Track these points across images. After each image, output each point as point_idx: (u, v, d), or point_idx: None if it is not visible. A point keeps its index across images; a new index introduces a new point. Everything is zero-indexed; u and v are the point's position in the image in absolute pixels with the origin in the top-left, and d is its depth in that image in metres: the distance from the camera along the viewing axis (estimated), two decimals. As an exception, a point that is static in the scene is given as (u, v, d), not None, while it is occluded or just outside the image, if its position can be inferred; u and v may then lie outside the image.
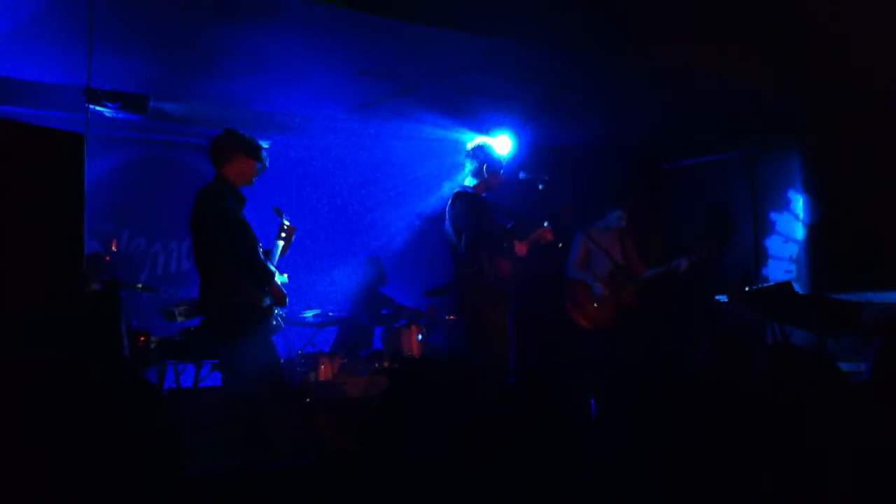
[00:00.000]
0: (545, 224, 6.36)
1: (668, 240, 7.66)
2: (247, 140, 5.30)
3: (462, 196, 6.27)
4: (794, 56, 6.48)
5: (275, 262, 5.40)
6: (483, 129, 7.78)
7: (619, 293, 7.25)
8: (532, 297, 7.61)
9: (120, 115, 6.45)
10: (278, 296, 5.25)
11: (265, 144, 7.93)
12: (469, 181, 6.38)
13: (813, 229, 7.69)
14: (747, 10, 5.95)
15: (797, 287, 7.08)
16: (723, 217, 7.65)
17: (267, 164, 5.40)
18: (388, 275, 8.13)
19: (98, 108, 6.22)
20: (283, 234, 5.54)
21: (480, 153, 6.37)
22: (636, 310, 7.28)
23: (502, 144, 7.99)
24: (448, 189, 6.93)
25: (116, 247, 7.20)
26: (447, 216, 6.28)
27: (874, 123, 7.05)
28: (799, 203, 7.77)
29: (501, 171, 6.47)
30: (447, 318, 7.15)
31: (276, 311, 5.25)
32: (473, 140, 6.65)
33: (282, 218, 5.59)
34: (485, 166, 6.31)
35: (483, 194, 6.35)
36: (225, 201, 5.10)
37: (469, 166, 6.38)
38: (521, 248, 6.28)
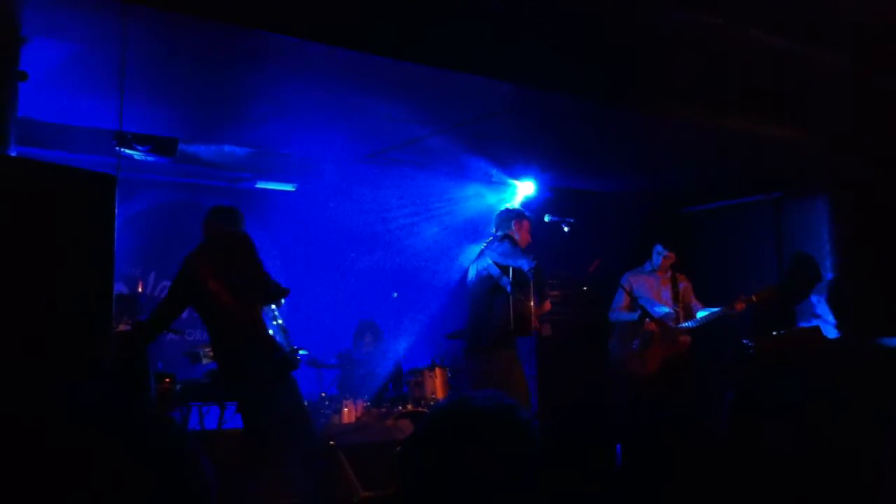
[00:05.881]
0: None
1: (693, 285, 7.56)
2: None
3: (507, 237, 6.40)
4: (820, 116, 6.52)
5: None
6: (508, 172, 7.81)
7: (669, 338, 7.10)
8: (565, 342, 7.59)
9: (150, 158, 6.53)
10: None
11: (290, 188, 8.08)
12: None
13: (841, 273, 7.60)
14: (772, 71, 6.01)
15: (825, 332, 6.98)
16: (810, 263, 7.47)
17: None
18: (383, 332, 8.11)
19: (128, 151, 6.30)
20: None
21: (506, 215, 6.59)
22: (685, 355, 7.14)
23: (525, 189, 8.04)
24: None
25: (143, 289, 7.25)
26: (489, 254, 6.38)
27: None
28: (826, 247, 7.69)
29: (530, 227, 6.63)
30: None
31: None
32: (502, 204, 6.99)
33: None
34: (518, 229, 6.50)
35: None
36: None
37: (504, 229, 6.52)
38: (548, 303, 6.51)
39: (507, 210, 6.68)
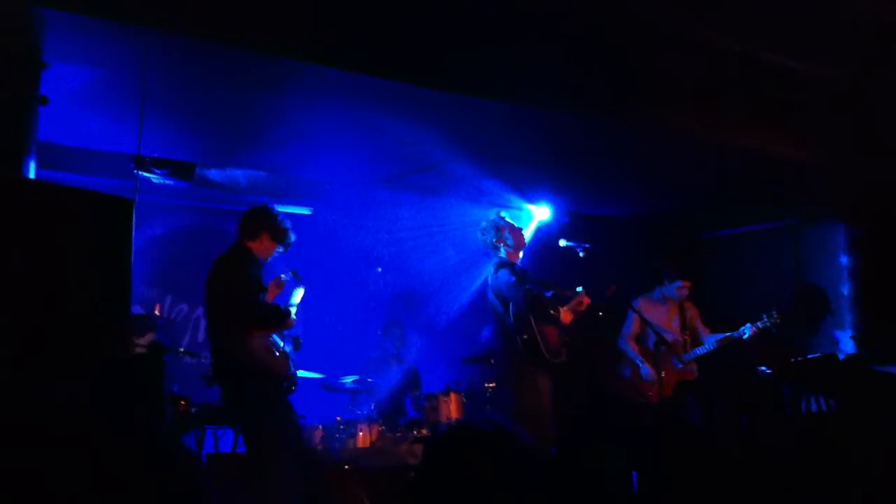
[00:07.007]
0: (578, 290, 6.14)
1: (709, 310, 7.52)
2: (277, 224, 5.45)
3: (503, 265, 6.16)
4: (838, 136, 6.50)
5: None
6: (524, 196, 7.81)
7: (674, 366, 7.03)
8: (577, 367, 7.51)
9: (167, 182, 6.58)
10: None
11: (307, 211, 8.10)
12: (501, 252, 6.29)
13: (859, 301, 7.56)
14: (789, 89, 6.00)
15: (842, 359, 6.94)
16: (817, 296, 7.46)
17: (288, 249, 5.54)
18: (409, 338, 8.08)
19: (146, 174, 6.34)
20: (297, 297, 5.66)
21: (492, 224, 6.32)
22: (693, 382, 7.07)
23: (541, 213, 8.03)
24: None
25: (160, 312, 7.28)
26: (489, 287, 6.19)
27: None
28: (844, 274, 7.66)
29: (522, 230, 6.41)
30: (486, 386, 7.08)
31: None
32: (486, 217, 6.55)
33: (299, 281, 5.70)
34: (503, 232, 6.25)
35: (518, 263, 6.29)
36: (248, 268, 5.24)
37: (490, 240, 6.30)
38: (566, 316, 6.12)
39: (485, 226, 6.37)
